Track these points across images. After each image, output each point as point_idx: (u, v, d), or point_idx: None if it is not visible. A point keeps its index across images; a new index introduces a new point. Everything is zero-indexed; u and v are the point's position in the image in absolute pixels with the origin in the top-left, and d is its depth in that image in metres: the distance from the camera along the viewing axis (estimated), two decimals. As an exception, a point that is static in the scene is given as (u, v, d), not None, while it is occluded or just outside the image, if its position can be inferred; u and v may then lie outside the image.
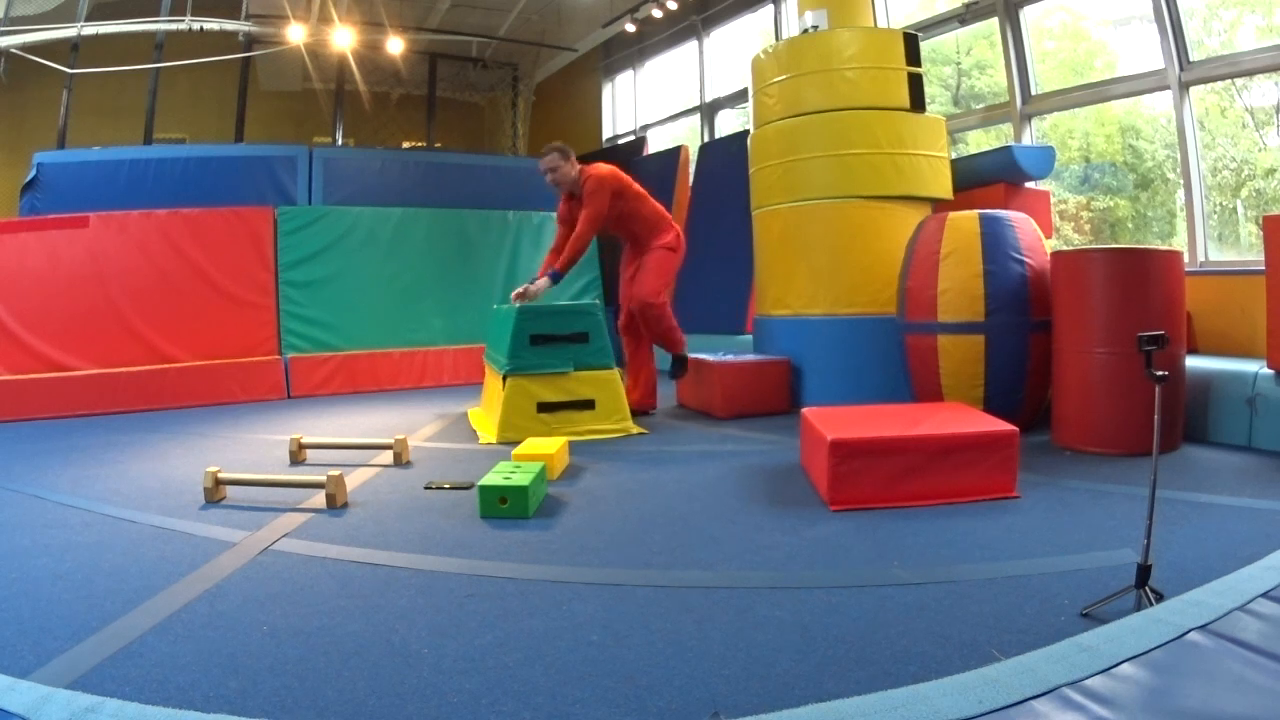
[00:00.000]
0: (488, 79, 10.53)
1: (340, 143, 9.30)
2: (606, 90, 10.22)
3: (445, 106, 10.43)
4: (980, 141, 6.09)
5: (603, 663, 1.59)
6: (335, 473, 2.92)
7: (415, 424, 4.82)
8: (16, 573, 2.21)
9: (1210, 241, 4.55)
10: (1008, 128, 5.56)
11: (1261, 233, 3.47)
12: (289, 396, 6.29)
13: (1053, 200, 5.24)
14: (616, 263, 8.78)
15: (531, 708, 1.42)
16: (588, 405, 4.19)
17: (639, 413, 4.58)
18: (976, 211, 3.91)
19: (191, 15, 7.40)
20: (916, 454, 2.67)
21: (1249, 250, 4.54)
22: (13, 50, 6.99)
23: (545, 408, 4.14)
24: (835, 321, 4.60)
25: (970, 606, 1.82)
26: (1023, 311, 3.73)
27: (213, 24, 7.62)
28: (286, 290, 6.56)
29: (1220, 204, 4.81)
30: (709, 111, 8.48)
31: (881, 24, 6.11)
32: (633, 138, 9.42)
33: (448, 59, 9.92)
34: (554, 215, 7.99)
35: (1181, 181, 4.59)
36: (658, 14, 7.94)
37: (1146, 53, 4.72)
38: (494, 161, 8.53)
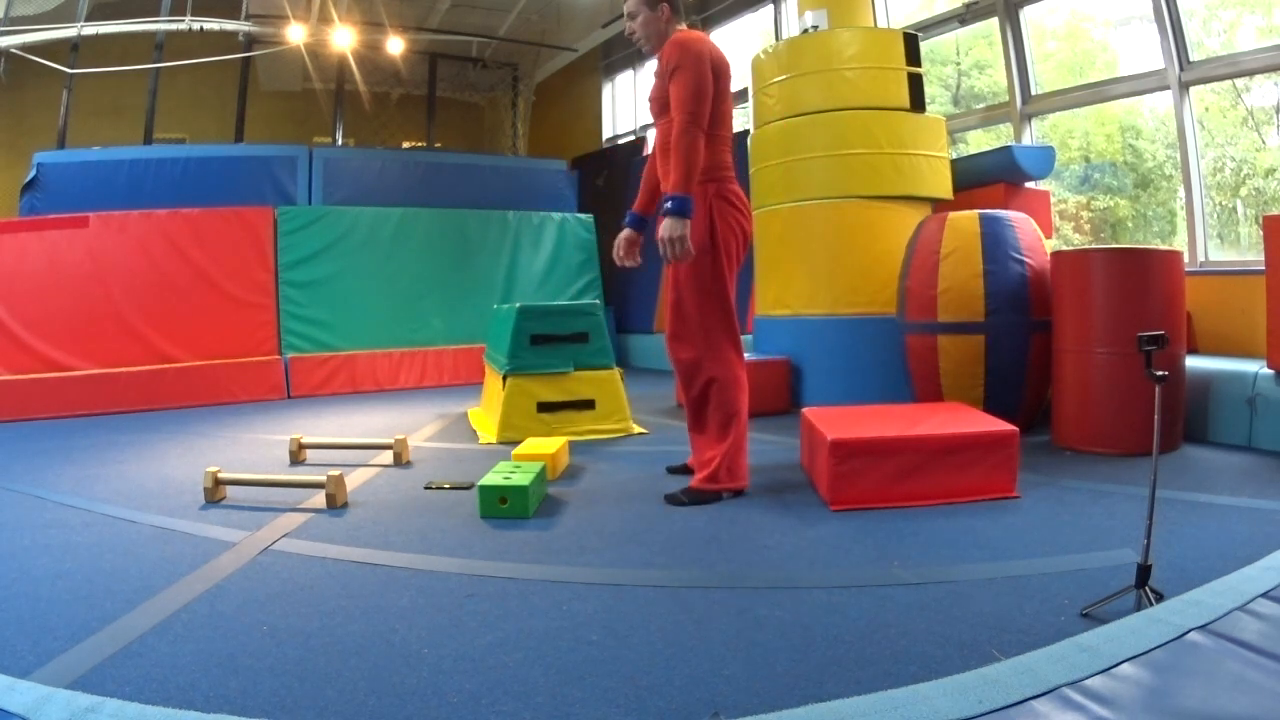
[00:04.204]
0: (488, 79, 10.53)
1: (340, 143, 9.30)
2: (606, 90, 10.22)
3: (445, 106, 10.43)
4: (980, 141, 6.08)
5: (603, 663, 1.59)
6: (335, 473, 2.91)
7: (415, 424, 4.82)
8: (16, 573, 2.21)
9: (1210, 241, 4.55)
10: (1008, 128, 5.56)
11: (1261, 232, 3.47)
12: (289, 396, 6.29)
13: (1053, 200, 5.24)
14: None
15: (531, 708, 1.42)
16: (588, 405, 4.19)
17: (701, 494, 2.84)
18: (976, 211, 3.91)
19: (191, 15, 7.39)
20: (916, 454, 2.67)
21: (1249, 250, 4.54)
22: (13, 50, 6.98)
23: (545, 408, 4.14)
24: (835, 321, 4.60)
25: (970, 606, 1.81)
26: (1023, 311, 3.73)
27: (213, 24, 7.62)
28: (286, 290, 6.56)
29: (1220, 204, 4.81)
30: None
31: (881, 24, 6.11)
32: (633, 138, 9.42)
33: (448, 59, 9.92)
34: (553, 216, 8.10)
35: (1181, 181, 4.59)
36: (658, 14, 7.93)
37: (1147, 53, 4.72)
38: (494, 161, 8.53)
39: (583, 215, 8.00)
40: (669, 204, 2.69)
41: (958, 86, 6.52)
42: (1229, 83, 4.56)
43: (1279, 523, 2.36)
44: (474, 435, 4.34)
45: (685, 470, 3.20)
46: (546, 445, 3.40)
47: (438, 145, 9.80)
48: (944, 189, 4.77)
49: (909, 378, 4.14)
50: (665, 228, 2.68)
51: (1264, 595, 1.25)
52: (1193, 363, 3.62)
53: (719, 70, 2.80)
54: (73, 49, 7.12)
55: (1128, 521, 2.40)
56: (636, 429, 4.27)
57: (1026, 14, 5.41)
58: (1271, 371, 3.37)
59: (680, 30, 2.89)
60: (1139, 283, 3.37)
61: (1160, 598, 1.60)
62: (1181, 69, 4.44)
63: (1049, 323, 3.66)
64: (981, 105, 6.11)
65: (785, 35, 7.14)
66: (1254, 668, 1.05)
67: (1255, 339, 3.80)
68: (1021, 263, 3.76)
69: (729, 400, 2.82)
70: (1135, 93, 4.91)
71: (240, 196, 6.65)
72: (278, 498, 2.99)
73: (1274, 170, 4.65)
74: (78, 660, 1.63)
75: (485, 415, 4.74)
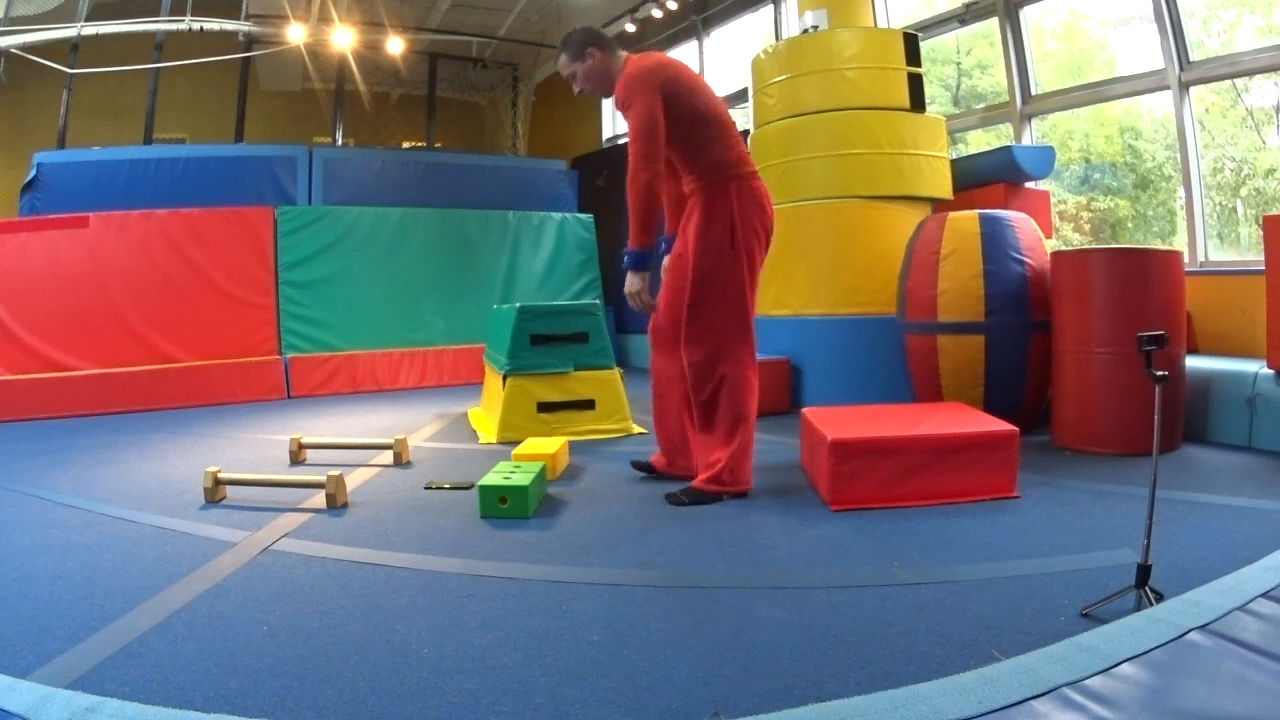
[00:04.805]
0: (488, 79, 10.52)
1: (340, 143, 9.29)
2: (606, 90, 10.21)
3: (445, 106, 10.42)
4: (980, 141, 6.08)
5: (603, 663, 1.59)
6: (335, 473, 2.91)
7: (415, 424, 4.81)
8: (16, 573, 2.21)
9: (1210, 241, 4.55)
10: (1008, 128, 5.55)
11: (1261, 233, 3.47)
12: (289, 396, 6.29)
13: (1053, 200, 5.23)
14: (616, 260, 8.72)
15: (531, 708, 1.42)
16: (588, 405, 4.19)
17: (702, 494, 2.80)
18: (976, 211, 3.91)
19: (191, 15, 7.39)
20: (916, 454, 2.67)
21: (1249, 250, 4.54)
22: (13, 50, 6.98)
23: (545, 408, 4.14)
24: (835, 321, 4.60)
25: (970, 606, 1.81)
26: (1023, 311, 3.73)
27: (213, 24, 7.62)
28: (286, 290, 6.56)
29: (1220, 204, 4.81)
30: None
31: (881, 24, 6.11)
32: (633, 138, 9.41)
33: (448, 59, 9.91)
34: (553, 216, 8.10)
35: (1181, 181, 4.59)
36: (658, 14, 7.94)
37: (1146, 52, 4.72)
38: (494, 161, 8.53)
39: (583, 215, 8.00)
40: (625, 259, 2.77)
41: (958, 86, 6.52)
42: (1229, 83, 4.56)
43: (1279, 523, 2.36)
44: (474, 435, 4.34)
45: (649, 469, 3.18)
46: (546, 445, 3.40)
47: (438, 145, 9.79)
48: (944, 189, 4.77)
49: (909, 378, 4.14)
50: (626, 283, 2.80)
51: (1264, 595, 1.26)
52: (1193, 363, 3.62)
53: (676, 84, 2.74)
54: (73, 49, 7.12)
55: (1128, 521, 2.40)
56: (636, 429, 4.27)
57: (1026, 14, 5.40)
58: (1271, 371, 3.37)
59: (627, 61, 2.85)
60: (1139, 283, 3.37)
61: (1160, 598, 1.60)
62: (1181, 69, 4.43)
63: (1049, 323, 3.66)
64: (981, 105, 6.11)
65: (785, 35, 7.14)
66: (1254, 668, 1.05)
67: (1255, 339, 3.80)
68: (1021, 263, 3.76)
69: (739, 402, 2.80)
70: (1135, 93, 4.91)
71: (240, 196, 6.64)
72: (278, 498, 2.99)
73: (1274, 170, 4.66)
74: (78, 660, 1.63)
75: (485, 415, 4.74)
